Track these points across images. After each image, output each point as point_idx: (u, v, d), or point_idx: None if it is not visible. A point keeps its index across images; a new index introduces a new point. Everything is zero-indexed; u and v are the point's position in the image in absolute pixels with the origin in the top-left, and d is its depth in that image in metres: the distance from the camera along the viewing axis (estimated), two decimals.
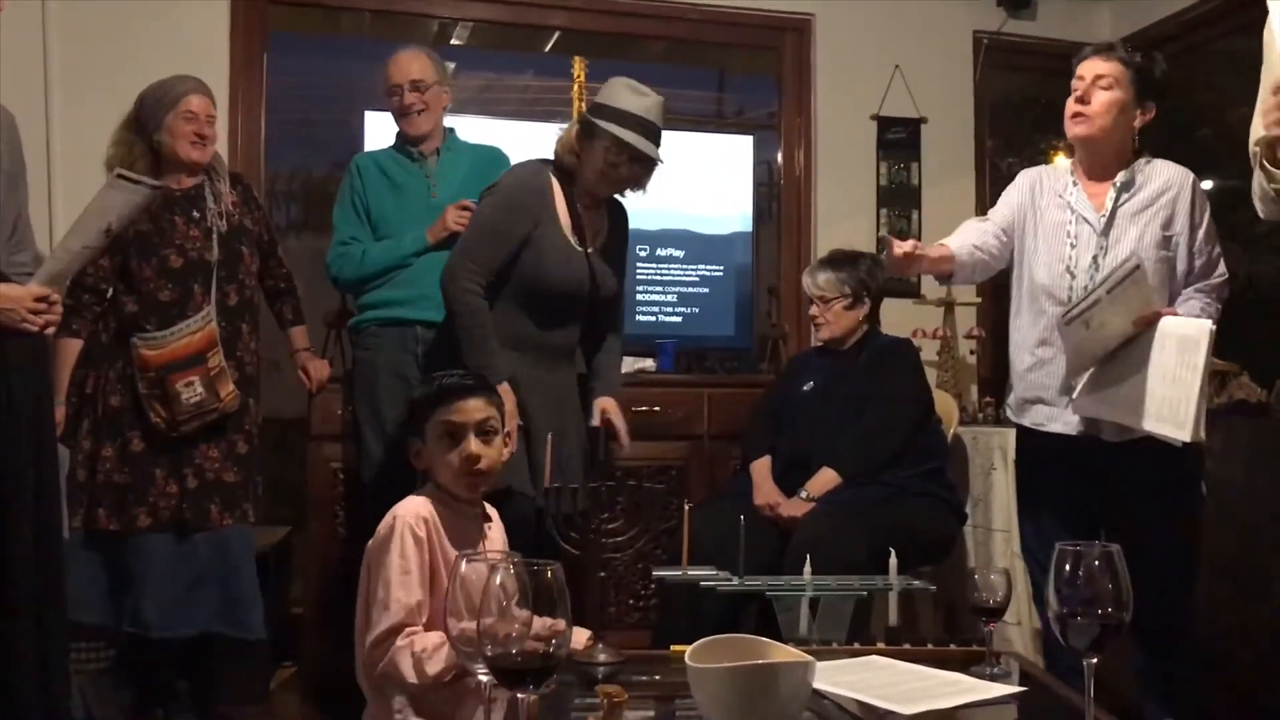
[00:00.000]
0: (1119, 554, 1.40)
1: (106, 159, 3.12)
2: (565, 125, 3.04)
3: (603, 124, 2.82)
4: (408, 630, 1.92)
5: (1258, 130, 2.12)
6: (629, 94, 2.84)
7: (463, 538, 2.06)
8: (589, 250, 2.95)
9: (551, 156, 2.97)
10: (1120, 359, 2.58)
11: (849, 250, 3.58)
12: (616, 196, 3.05)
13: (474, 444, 2.08)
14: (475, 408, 2.10)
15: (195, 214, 3.14)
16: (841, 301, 3.42)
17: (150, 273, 3.08)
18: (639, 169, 2.89)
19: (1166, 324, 2.52)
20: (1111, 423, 2.65)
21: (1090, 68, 2.72)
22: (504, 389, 2.56)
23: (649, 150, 2.84)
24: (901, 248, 2.67)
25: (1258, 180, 2.18)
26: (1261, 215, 2.25)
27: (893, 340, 3.54)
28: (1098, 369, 2.62)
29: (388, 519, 2.04)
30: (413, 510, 2.03)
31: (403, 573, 1.96)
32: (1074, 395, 2.68)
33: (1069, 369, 2.61)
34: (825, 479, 3.20)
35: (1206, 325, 2.46)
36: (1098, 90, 2.70)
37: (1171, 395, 2.45)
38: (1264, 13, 2.11)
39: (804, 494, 3.19)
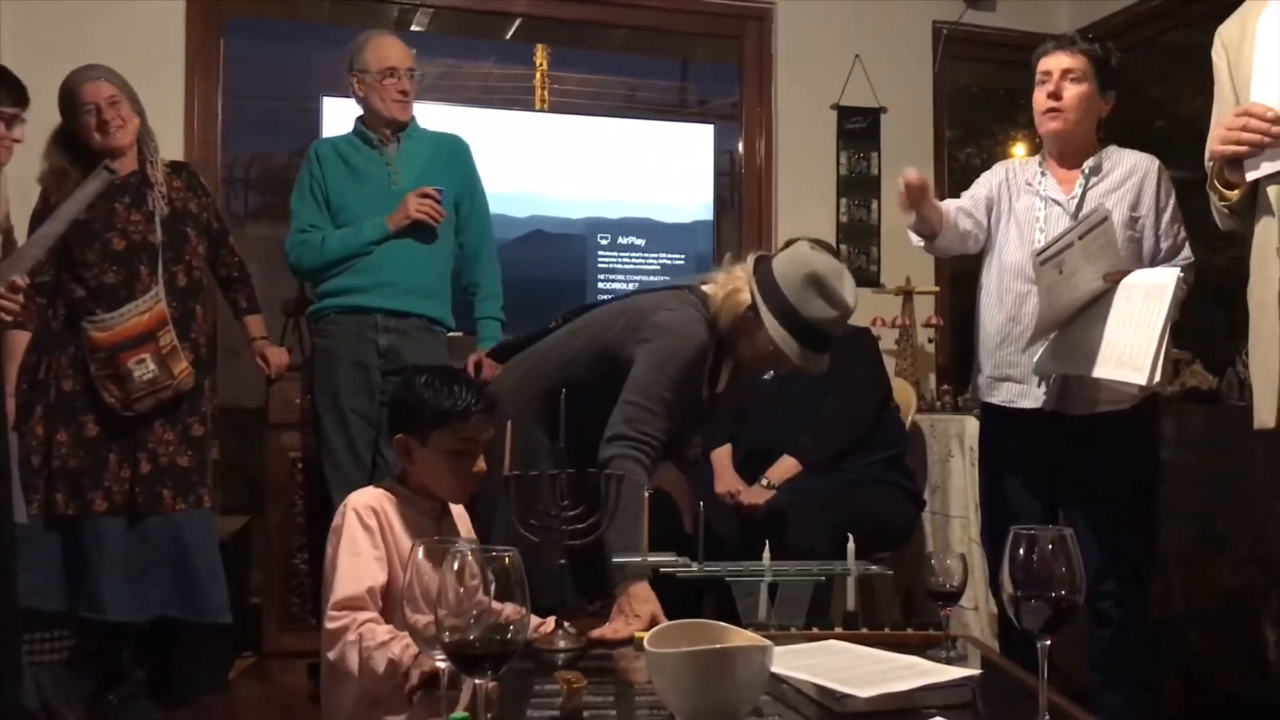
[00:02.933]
0: (1072, 538, 1.42)
1: (39, 176, 3.15)
2: (726, 277, 2.53)
3: (776, 326, 2.40)
4: (361, 618, 1.91)
5: (1213, 142, 2.19)
6: (821, 302, 2.39)
7: (416, 530, 2.05)
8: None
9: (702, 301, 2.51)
10: (1084, 315, 2.60)
11: (814, 238, 3.59)
12: None
13: (481, 462, 2.10)
14: (485, 427, 2.11)
15: (136, 199, 3.12)
16: None
17: (94, 257, 3.07)
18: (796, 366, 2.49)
19: (1133, 276, 2.55)
20: (1079, 395, 2.69)
21: (1057, 62, 2.75)
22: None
23: (814, 368, 2.47)
24: (915, 175, 2.66)
25: (1212, 197, 2.26)
26: (1220, 226, 2.31)
27: (851, 329, 3.53)
28: (1061, 331, 2.64)
29: (340, 509, 2.04)
30: (363, 500, 2.03)
31: (352, 555, 1.96)
32: (1035, 357, 2.70)
33: (1040, 313, 2.62)
34: (786, 466, 3.21)
35: (1174, 272, 2.49)
36: (1068, 84, 2.73)
37: (1132, 340, 2.46)
38: (1213, 7, 2.17)
39: (764, 481, 3.20)
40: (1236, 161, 2.15)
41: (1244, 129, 2.09)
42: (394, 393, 2.21)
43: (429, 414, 2.04)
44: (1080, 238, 2.50)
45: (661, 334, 2.43)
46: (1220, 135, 2.16)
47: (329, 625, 1.92)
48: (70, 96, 3.12)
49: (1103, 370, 2.53)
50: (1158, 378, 2.43)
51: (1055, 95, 2.74)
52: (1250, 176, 2.13)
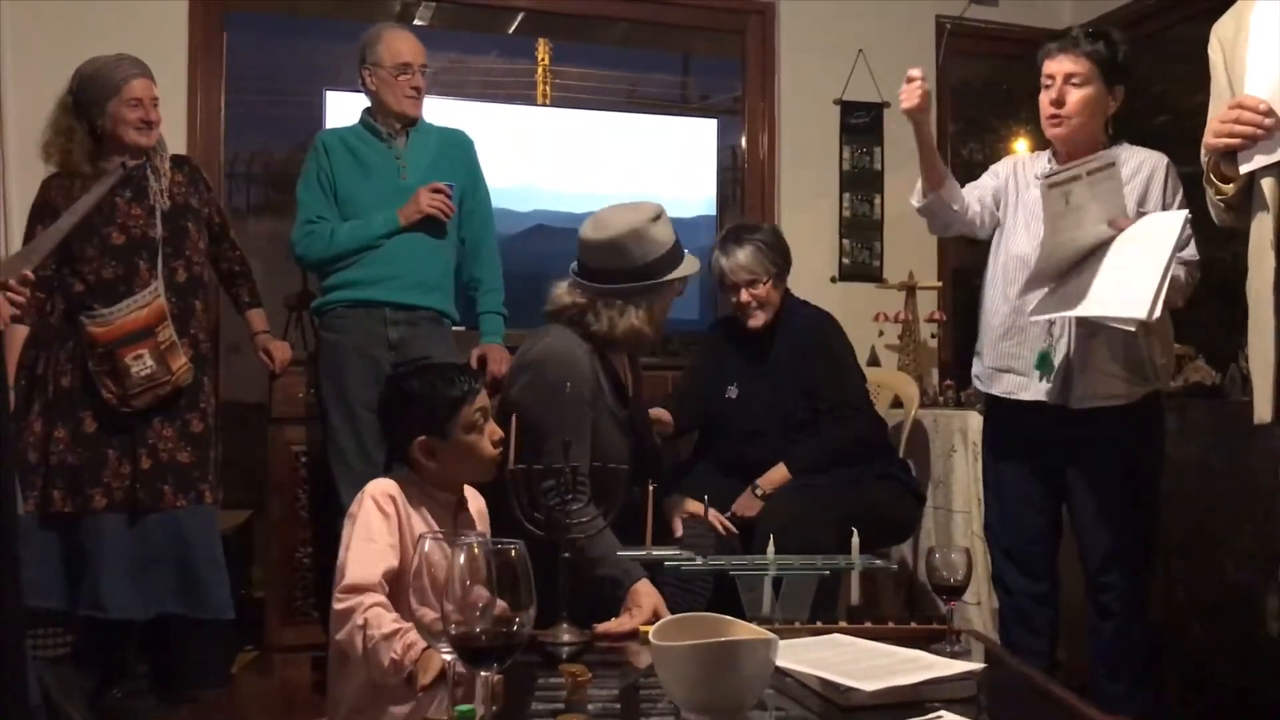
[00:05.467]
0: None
1: (44, 143, 3.11)
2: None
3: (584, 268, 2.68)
4: (367, 601, 1.91)
5: (1208, 136, 2.19)
6: (588, 226, 2.72)
7: (433, 521, 2.06)
8: (632, 415, 2.78)
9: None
10: (1086, 260, 2.56)
11: (745, 223, 3.50)
12: None
13: (494, 426, 2.15)
14: (484, 394, 2.17)
15: (137, 193, 3.12)
16: (771, 281, 3.25)
17: (93, 252, 3.06)
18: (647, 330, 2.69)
19: (1141, 220, 2.54)
20: (1081, 388, 2.68)
21: (1059, 66, 2.72)
22: None
23: (669, 273, 2.71)
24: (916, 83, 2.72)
25: (1209, 192, 2.25)
26: (1216, 223, 2.31)
27: (806, 323, 3.31)
28: (1062, 282, 2.59)
29: (359, 496, 2.05)
30: (382, 488, 2.04)
31: (365, 539, 1.97)
32: (1035, 302, 2.65)
33: (1044, 243, 2.56)
34: (778, 475, 3.13)
35: (1183, 213, 2.48)
36: (1071, 89, 2.71)
37: (1132, 276, 2.42)
38: (1215, 2, 2.17)
39: (758, 491, 3.15)
40: (1231, 154, 2.15)
41: (1236, 121, 2.09)
42: (394, 401, 2.19)
43: (443, 406, 2.08)
44: (1088, 174, 2.47)
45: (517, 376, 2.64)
46: (1214, 128, 2.16)
47: (336, 606, 1.94)
48: (106, 86, 3.08)
49: (1101, 307, 2.47)
50: (1158, 312, 2.35)
51: (1058, 102, 2.72)
52: (1243, 169, 2.13)
